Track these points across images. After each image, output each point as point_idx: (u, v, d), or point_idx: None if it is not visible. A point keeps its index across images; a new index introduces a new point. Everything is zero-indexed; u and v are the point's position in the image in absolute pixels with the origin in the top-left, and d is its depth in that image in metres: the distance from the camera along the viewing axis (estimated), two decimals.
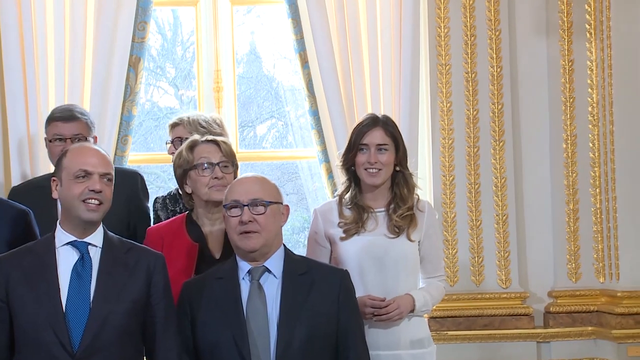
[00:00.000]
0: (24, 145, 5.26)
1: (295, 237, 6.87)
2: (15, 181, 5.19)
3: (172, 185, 5.29)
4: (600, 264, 5.62)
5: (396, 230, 4.05)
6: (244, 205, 3.55)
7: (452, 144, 5.58)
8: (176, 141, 4.66)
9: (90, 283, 3.45)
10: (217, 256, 3.91)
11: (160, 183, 4.67)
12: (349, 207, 4.11)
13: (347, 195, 4.14)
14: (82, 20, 5.32)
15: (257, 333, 3.48)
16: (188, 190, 4.00)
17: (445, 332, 5.44)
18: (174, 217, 4.16)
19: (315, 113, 5.48)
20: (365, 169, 4.06)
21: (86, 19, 5.33)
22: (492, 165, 5.59)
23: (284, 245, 3.68)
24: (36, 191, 4.20)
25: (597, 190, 5.63)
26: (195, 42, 5.91)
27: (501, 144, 5.60)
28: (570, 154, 5.63)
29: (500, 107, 5.60)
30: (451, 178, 5.57)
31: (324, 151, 5.46)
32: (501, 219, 5.58)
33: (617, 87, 5.50)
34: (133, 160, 5.61)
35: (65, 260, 3.47)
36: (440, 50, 5.62)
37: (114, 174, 3.57)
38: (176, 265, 3.76)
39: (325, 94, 5.43)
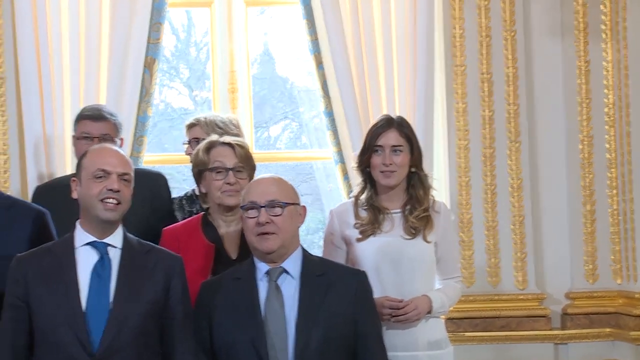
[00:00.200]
0: (39, 146, 5.28)
1: (310, 238, 6.87)
2: (32, 181, 5.20)
3: (187, 186, 5.29)
4: (618, 266, 5.60)
5: (412, 231, 4.04)
6: (261, 207, 3.54)
7: (467, 145, 5.57)
8: (193, 142, 4.66)
9: (110, 284, 3.45)
10: (234, 257, 3.91)
11: (175, 184, 4.67)
12: (365, 208, 4.11)
13: (363, 197, 4.14)
14: (97, 22, 5.33)
15: (274, 334, 3.48)
16: (203, 190, 4.02)
17: (462, 334, 5.42)
18: (189, 218, 4.17)
19: (330, 114, 5.48)
20: (380, 171, 4.05)
21: (101, 20, 5.34)
22: (508, 166, 5.58)
23: (301, 246, 3.67)
24: (59, 190, 4.20)
25: (614, 191, 5.61)
26: (209, 43, 5.92)
27: (517, 145, 5.58)
28: (586, 155, 5.62)
29: (515, 108, 5.59)
30: (467, 179, 5.56)
31: (339, 152, 5.46)
32: (517, 220, 5.57)
33: (633, 88, 5.47)
34: (148, 161, 5.62)
35: (85, 260, 3.48)
36: (455, 51, 5.61)
37: (133, 174, 3.58)
38: (193, 265, 3.75)
39: (341, 95, 5.43)
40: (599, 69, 5.64)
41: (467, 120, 5.57)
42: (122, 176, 3.50)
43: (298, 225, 3.66)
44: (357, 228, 4.09)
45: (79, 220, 3.55)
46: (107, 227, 3.51)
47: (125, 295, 3.44)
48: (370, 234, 4.06)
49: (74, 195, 3.56)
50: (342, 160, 5.45)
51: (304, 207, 3.69)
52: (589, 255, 5.61)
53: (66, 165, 5.23)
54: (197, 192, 4.60)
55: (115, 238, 3.53)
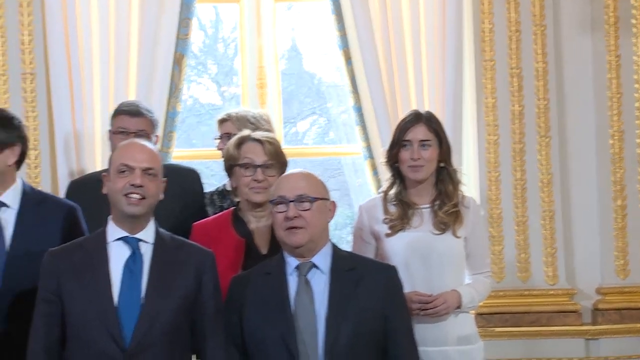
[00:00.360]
0: (69, 142, 5.31)
1: (338, 233, 6.88)
2: (62, 177, 5.24)
3: (215, 182, 5.31)
4: None
5: (442, 226, 4.03)
6: (290, 201, 3.54)
7: (497, 140, 5.56)
8: (224, 137, 4.67)
9: (142, 279, 3.46)
10: (264, 252, 3.91)
11: (203, 179, 4.70)
12: (394, 203, 4.09)
13: (392, 192, 4.12)
14: (127, 17, 5.35)
15: (304, 329, 3.47)
16: (234, 184, 4.03)
17: (492, 329, 5.41)
18: (220, 213, 4.17)
19: (359, 109, 5.48)
20: (409, 165, 4.04)
21: (130, 15, 5.36)
22: (537, 161, 5.55)
23: (331, 241, 3.67)
24: (93, 185, 4.23)
25: None
26: (237, 38, 5.94)
27: (547, 140, 5.56)
28: (617, 150, 5.59)
29: (545, 103, 5.56)
30: (497, 174, 5.55)
31: (368, 147, 5.46)
32: (547, 215, 5.55)
33: None
34: (176, 156, 5.62)
35: (117, 256, 3.49)
36: (485, 46, 5.59)
37: (160, 169, 3.57)
38: (223, 260, 3.74)
39: (369, 90, 5.42)
40: (629, 64, 5.60)
41: (496, 115, 5.56)
42: (146, 171, 3.50)
43: (327, 220, 3.66)
44: (386, 223, 4.08)
45: (111, 216, 3.57)
46: (136, 222, 3.51)
47: (157, 291, 3.44)
48: (400, 229, 4.05)
49: (104, 190, 3.57)
50: (371, 156, 5.45)
51: (333, 202, 3.69)
52: (619, 251, 5.58)
53: (96, 161, 5.26)
54: (227, 188, 4.63)
55: (147, 233, 3.53)
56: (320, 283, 3.54)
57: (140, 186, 3.47)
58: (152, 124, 4.60)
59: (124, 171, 3.49)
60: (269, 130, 4.54)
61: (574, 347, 5.48)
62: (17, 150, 3.97)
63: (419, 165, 4.03)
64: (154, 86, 5.34)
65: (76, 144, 5.31)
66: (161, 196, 3.59)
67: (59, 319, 3.46)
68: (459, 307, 3.98)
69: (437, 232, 4.03)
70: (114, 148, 4.38)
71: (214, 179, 6.39)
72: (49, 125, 5.39)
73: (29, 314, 3.58)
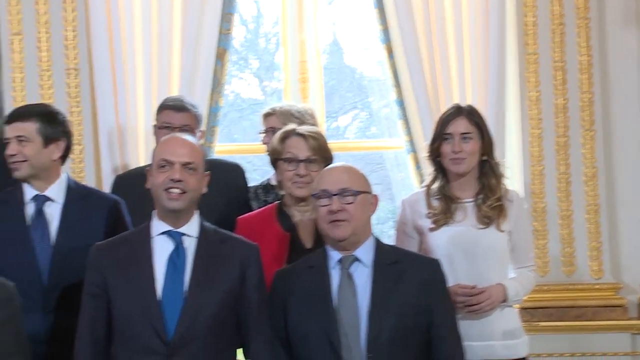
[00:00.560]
0: (113, 137, 5.35)
1: (380, 228, 6.86)
2: (106, 172, 5.29)
3: (257, 176, 5.32)
4: None
5: (486, 220, 4.01)
6: (333, 195, 3.54)
7: (541, 134, 5.51)
8: (269, 131, 4.69)
9: (185, 273, 3.47)
10: (309, 246, 3.91)
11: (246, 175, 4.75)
12: (437, 197, 4.08)
13: (435, 186, 4.11)
14: (169, 12, 5.37)
15: (347, 323, 3.47)
16: (278, 178, 4.04)
17: (537, 323, 5.37)
18: (264, 207, 4.18)
19: (401, 103, 5.46)
20: (450, 159, 4.03)
21: (173, 10, 5.38)
22: (582, 155, 5.51)
23: (374, 235, 3.66)
24: (138, 180, 4.26)
25: None
26: (278, 33, 5.94)
27: (591, 133, 5.51)
28: None
29: (590, 96, 5.51)
30: (540, 168, 5.51)
31: (411, 141, 5.45)
32: (592, 209, 5.50)
33: None
34: (218, 151, 5.64)
35: (161, 250, 3.50)
36: (528, 39, 5.55)
37: (201, 163, 3.57)
38: (267, 254, 3.75)
39: (412, 84, 5.41)
40: None
41: (540, 109, 5.51)
42: (186, 165, 3.50)
43: (370, 213, 3.65)
44: (429, 218, 4.07)
45: (155, 210, 3.58)
46: (179, 216, 3.52)
47: (201, 284, 3.45)
48: (443, 224, 4.04)
49: (147, 185, 3.59)
50: (413, 150, 5.43)
51: (375, 196, 3.68)
52: None
53: (139, 156, 5.29)
54: (272, 182, 4.64)
55: (191, 227, 3.54)
56: (362, 276, 3.54)
57: (180, 181, 3.47)
58: (197, 119, 4.62)
59: (164, 166, 3.50)
60: (314, 124, 4.54)
61: (619, 342, 5.43)
62: (61, 145, 4.01)
63: (461, 158, 4.01)
64: (196, 81, 5.36)
65: (119, 139, 5.34)
66: (204, 190, 3.60)
67: (105, 313, 3.48)
68: (504, 301, 3.96)
69: (481, 226, 4.01)
70: (158, 143, 4.42)
71: (256, 173, 6.39)
72: (93, 120, 5.42)
73: (75, 308, 3.62)
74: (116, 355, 3.48)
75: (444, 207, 4.05)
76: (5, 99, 5.40)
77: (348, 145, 6.56)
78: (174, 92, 5.25)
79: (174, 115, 4.56)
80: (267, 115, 4.82)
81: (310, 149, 3.94)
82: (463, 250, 3.98)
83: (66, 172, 4.13)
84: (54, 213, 4.00)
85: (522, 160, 5.53)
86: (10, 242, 3.93)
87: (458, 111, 4.10)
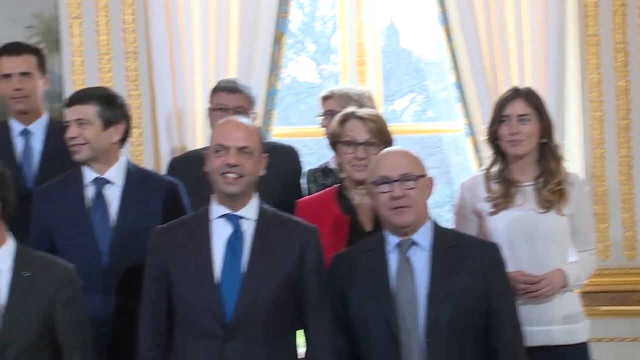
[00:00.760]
0: (171, 120, 5.38)
1: (438, 211, 6.83)
2: (164, 155, 5.32)
3: (313, 160, 5.32)
4: None
5: (546, 205, 3.97)
6: (394, 181, 3.51)
7: (602, 117, 5.45)
8: (327, 114, 4.70)
9: (243, 256, 3.47)
10: (369, 228, 3.89)
11: (301, 158, 4.73)
12: (496, 181, 4.04)
13: (494, 169, 4.07)
14: None
15: (405, 307, 3.45)
16: (338, 161, 4.02)
17: (598, 308, 5.33)
18: (324, 190, 4.17)
19: (459, 86, 5.43)
20: (508, 140, 3.99)
21: None
22: None
23: (431, 218, 3.63)
24: (193, 163, 4.29)
25: None
26: (335, 16, 5.92)
27: None
28: None
29: None
30: (602, 151, 5.45)
31: (470, 124, 5.42)
32: None
33: None
34: (276, 134, 5.65)
35: (219, 233, 3.50)
36: (589, 20, 5.48)
37: (257, 146, 3.56)
38: (327, 237, 3.74)
39: (471, 66, 5.38)
40: None
41: (601, 91, 5.45)
42: (242, 150, 3.48)
43: (428, 196, 3.62)
44: (488, 201, 4.03)
45: (213, 194, 3.59)
46: (237, 199, 3.51)
47: (258, 267, 3.45)
48: (503, 208, 4.00)
49: (206, 168, 3.58)
50: (472, 132, 5.41)
51: (431, 178, 3.64)
52: None
53: (197, 139, 5.30)
54: (330, 165, 4.64)
55: (249, 210, 3.53)
56: (421, 260, 3.52)
57: (235, 165, 3.46)
58: (250, 101, 4.63)
59: (219, 150, 3.50)
60: (372, 107, 4.53)
61: None
62: (120, 128, 4.03)
63: (518, 140, 3.97)
64: (254, 64, 5.36)
65: (178, 122, 5.37)
66: (261, 172, 3.59)
67: (166, 296, 3.50)
68: (564, 286, 3.92)
69: (541, 210, 3.97)
70: (212, 125, 4.44)
71: (312, 157, 6.40)
72: (151, 103, 5.45)
73: (135, 290, 3.65)
74: (177, 338, 3.49)
75: (504, 191, 4.01)
76: (65, 83, 5.43)
77: (406, 129, 6.53)
78: (232, 75, 5.25)
79: (227, 96, 4.58)
80: (325, 98, 4.82)
81: (369, 131, 3.92)
82: (523, 235, 3.94)
83: (125, 154, 4.15)
84: (113, 196, 4.02)
85: (583, 143, 5.47)
86: (71, 225, 3.96)
87: (516, 93, 4.06)
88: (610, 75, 5.47)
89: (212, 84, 4.87)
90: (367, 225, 3.91)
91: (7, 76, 4.62)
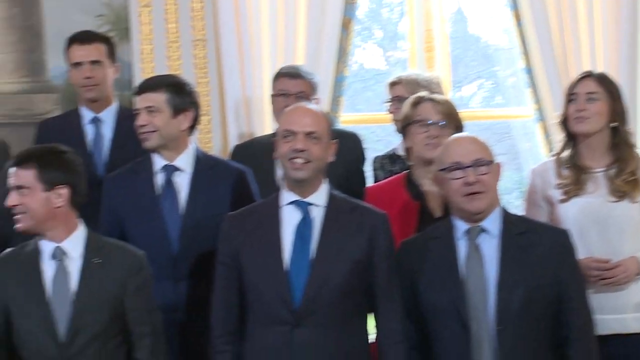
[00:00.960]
0: (239, 107, 5.39)
1: (507, 198, 6.78)
2: (232, 142, 5.31)
3: (380, 147, 5.31)
4: None
5: (619, 194, 3.90)
6: (467, 167, 3.47)
7: None
8: (395, 100, 4.68)
9: (312, 242, 3.47)
10: (438, 215, 3.87)
11: (367, 144, 4.73)
12: (567, 167, 3.99)
13: (565, 155, 4.02)
14: None
15: (474, 295, 3.42)
16: (407, 145, 4.00)
17: None
18: (392, 176, 4.16)
19: (529, 71, 5.40)
20: (574, 118, 3.93)
21: None
22: None
23: (501, 204, 3.58)
24: (257, 149, 4.31)
25: None
26: (402, 2, 5.90)
27: None
28: None
29: None
30: None
31: (540, 110, 5.37)
32: None
33: None
34: (343, 121, 5.64)
35: (289, 219, 3.50)
36: None
37: (325, 131, 3.54)
38: (396, 224, 3.71)
39: (541, 51, 5.34)
40: None
41: None
42: (309, 135, 3.47)
43: (497, 182, 3.58)
44: (559, 188, 3.97)
45: (276, 180, 3.60)
46: (305, 185, 3.51)
47: (328, 254, 3.44)
48: (574, 195, 3.94)
49: (276, 155, 3.59)
50: (542, 118, 5.36)
51: (499, 164, 3.59)
52: None
53: (265, 126, 5.31)
54: (397, 152, 4.62)
55: (318, 196, 3.53)
56: (490, 247, 3.48)
57: (303, 150, 3.46)
58: (312, 86, 4.62)
59: (287, 136, 3.49)
60: (440, 93, 4.50)
61: None
62: (190, 115, 4.04)
63: (584, 117, 3.91)
64: (322, 51, 5.36)
65: (246, 110, 5.38)
66: (330, 159, 3.58)
67: (237, 283, 3.51)
68: (639, 273, 3.86)
69: (613, 199, 3.91)
70: (276, 110, 4.47)
71: (379, 144, 6.39)
72: (220, 91, 5.46)
73: (204, 277, 3.68)
74: (248, 324, 3.51)
75: (575, 178, 3.95)
76: (134, 71, 5.47)
77: (475, 114, 6.48)
78: (300, 61, 5.25)
79: (288, 82, 4.58)
80: (393, 84, 4.80)
81: (442, 112, 3.93)
82: (595, 222, 3.89)
83: (194, 142, 4.17)
84: (182, 183, 4.03)
85: None
86: (141, 212, 3.99)
87: (587, 74, 4.03)
88: None
89: None
90: (437, 211, 3.89)
91: (77, 64, 4.66)
